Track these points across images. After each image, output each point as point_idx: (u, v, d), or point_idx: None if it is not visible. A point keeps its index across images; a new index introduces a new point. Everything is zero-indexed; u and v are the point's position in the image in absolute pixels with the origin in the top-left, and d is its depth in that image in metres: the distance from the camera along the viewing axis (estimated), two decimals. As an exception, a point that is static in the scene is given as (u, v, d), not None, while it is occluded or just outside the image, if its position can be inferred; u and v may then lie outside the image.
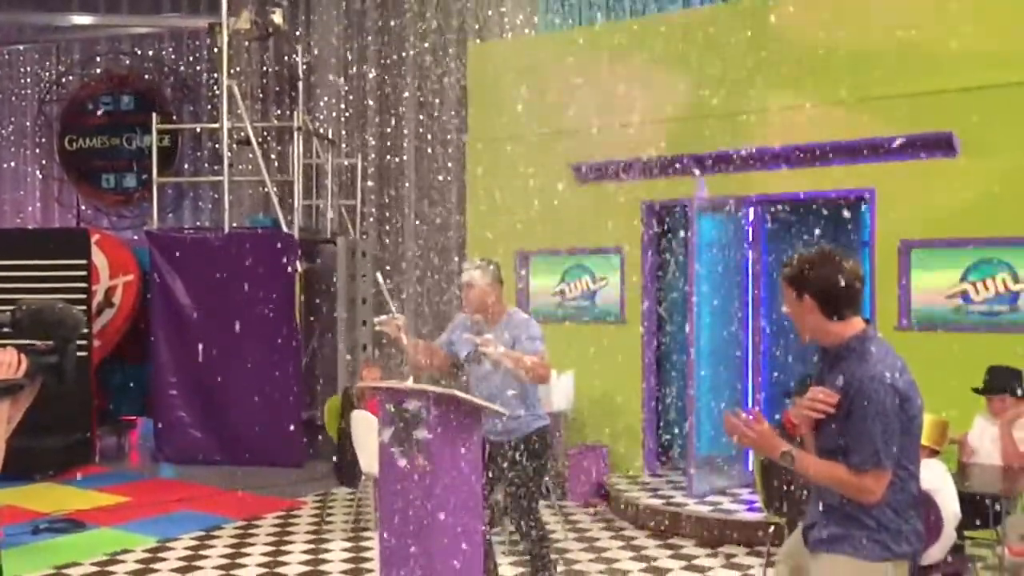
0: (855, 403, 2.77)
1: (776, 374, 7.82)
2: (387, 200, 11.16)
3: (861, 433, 2.75)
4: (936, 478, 4.33)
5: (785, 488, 5.39)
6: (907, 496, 2.85)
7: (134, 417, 10.98)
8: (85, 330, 2.67)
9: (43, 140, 13.96)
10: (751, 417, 2.92)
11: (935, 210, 6.78)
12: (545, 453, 4.79)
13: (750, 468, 7.44)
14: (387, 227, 11.10)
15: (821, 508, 2.95)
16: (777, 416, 6.89)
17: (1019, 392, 5.40)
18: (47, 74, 13.97)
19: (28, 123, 14.07)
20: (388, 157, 11.08)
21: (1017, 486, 4.89)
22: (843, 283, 2.85)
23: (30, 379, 2.46)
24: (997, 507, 4.81)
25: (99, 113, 13.47)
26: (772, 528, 5.48)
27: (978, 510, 4.99)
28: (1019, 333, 6.47)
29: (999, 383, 5.37)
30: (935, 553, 4.30)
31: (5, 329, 2.45)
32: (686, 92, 7.84)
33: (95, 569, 5.99)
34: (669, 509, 6.82)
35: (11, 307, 2.43)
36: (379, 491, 4.51)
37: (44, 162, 14.01)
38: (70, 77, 13.92)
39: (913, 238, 6.89)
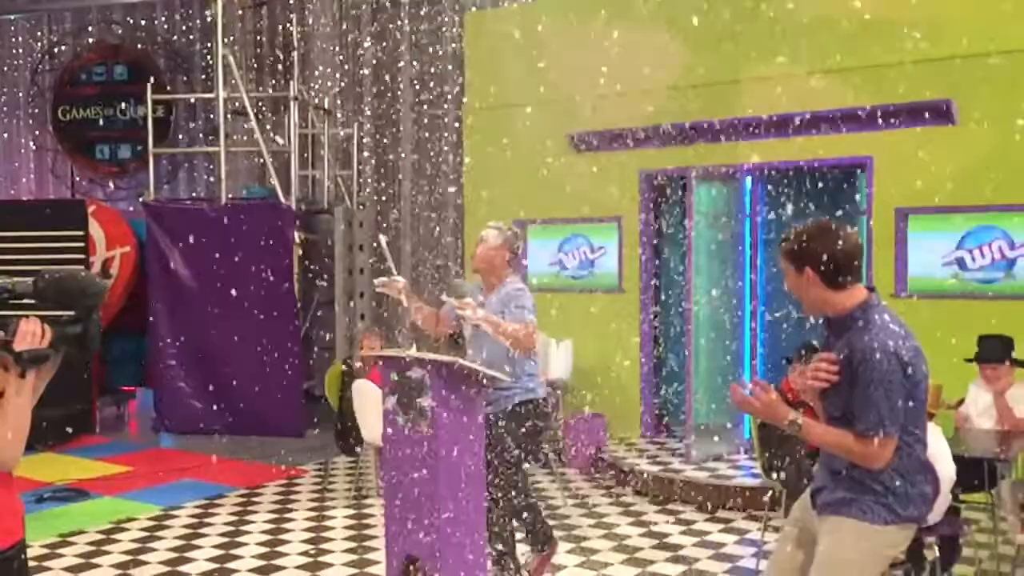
0: (859, 371, 2.80)
1: (774, 341, 7.88)
2: (384, 170, 11.14)
3: (865, 401, 2.79)
4: (931, 442, 4.38)
5: (783, 454, 5.46)
6: (914, 461, 2.89)
7: (132, 388, 11.03)
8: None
9: (36, 111, 13.89)
10: (757, 387, 2.95)
11: (933, 178, 6.80)
12: (533, 426, 4.65)
13: (747, 434, 7.52)
14: (384, 197, 11.09)
15: (829, 473, 2.99)
16: (773, 382, 6.95)
17: (1011, 360, 5.45)
18: (39, 44, 13.87)
19: (21, 94, 13.99)
20: (385, 127, 11.04)
21: (1012, 450, 4.95)
22: (842, 253, 2.87)
23: (55, 350, 2.41)
24: (994, 471, 4.88)
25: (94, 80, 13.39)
26: (770, 493, 5.55)
27: (973, 474, 5.06)
28: (1015, 299, 6.53)
29: (991, 352, 5.42)
30: (931, 515, 4.37)
31: (27, 300, 2.39)
32: (684, 60, 7.82)
33: (101, 537, 6.05)
34: (667, 475, 6.90)
35: (32, 276, 2.39)
36: (383, 459, 4.55)
37: (37, 133, 13.94)
38: (62, 47, 13.83)
39: (910, 205, 6.92)
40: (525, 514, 4.78)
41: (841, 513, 2.91)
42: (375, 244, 10.29)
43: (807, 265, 2.90)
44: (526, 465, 4.76)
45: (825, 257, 2.87)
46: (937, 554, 4.65)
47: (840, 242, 2.88)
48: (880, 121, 6.97)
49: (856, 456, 2.84)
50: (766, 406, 2.93)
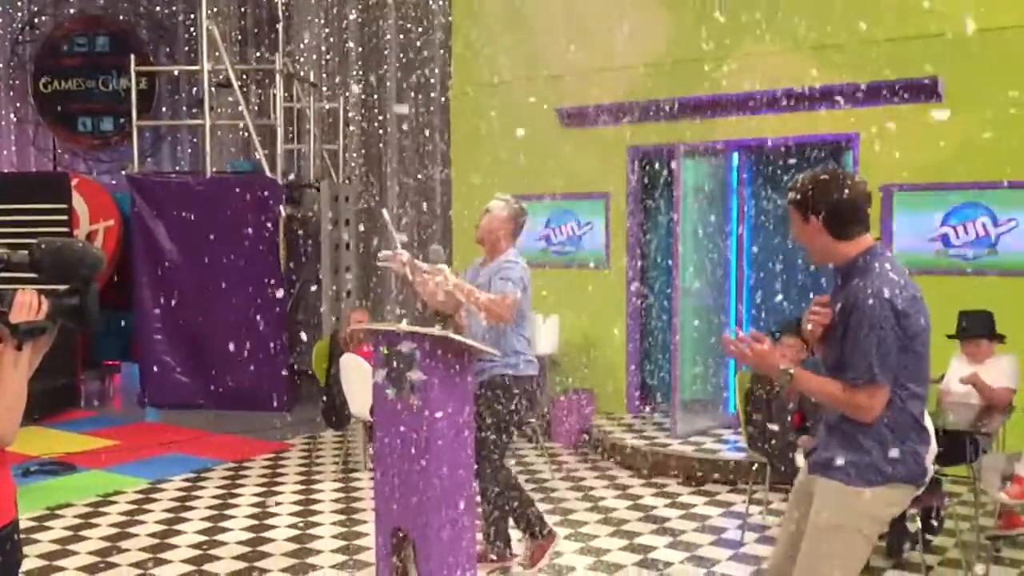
0: (852, 318, 2.76)
1: (760, 317, 7.92)
2: (370, 144, 11.08)
3: (856, 348, 2.74)
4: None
5: (767, 428, 5.52)
6: (907, 417, 2.83)
7: (117, 362, 10.99)
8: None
9: (17, 82, 13.70)
10: (749, 336, 2.91)
11: (918, 155, 6.83)
12: (509, 402, 4.56)
13: (732, 409, 7.60)
14: (370, 172, 11.04)
15: (824, 428, 2.96)
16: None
17: (991, 335, 5.51)
18: (20, 14, 13.66)
19: (1, 65, 13.79)
20: (371, 101, 10.98)
21: (994, 423, 5.02)
22: (848, 202, 2.83)
23: (52, 322, 2.36)
24: (975, 444, 4.95)
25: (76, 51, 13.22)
26: (754, 467, 5.61)
27: (954, 447, 5.14)
28: (997, 276, 6.59)
29: (973, 328, 5.47)
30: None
31: (23, 274, 2.34)
32: (672, 36, 7.81)
33: (89, 510, 6.06)
34: (653, 449, 6.96)
35: (26, 247, 2.33)
36: (374, 432, 4.57)
37: (18, 105, 13.76)
38: (43, 18, 13.62)
39: (896, 182, 6.96)
40: (499, 490, 4.66)
41: (827, 475, 2.88)
42: (359, 218, 10.27)
43: (813, 213, 2.87)
44: (506, 439, 4.66)
45: (831, 205, 2.83)
46: (919, 525, 4.73)
47: (847, 191, 2.83)
48: (866, 98, 6.98)
49: (846, 407, 2.80)
50: (758, 355, 2.89)
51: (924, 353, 2.85)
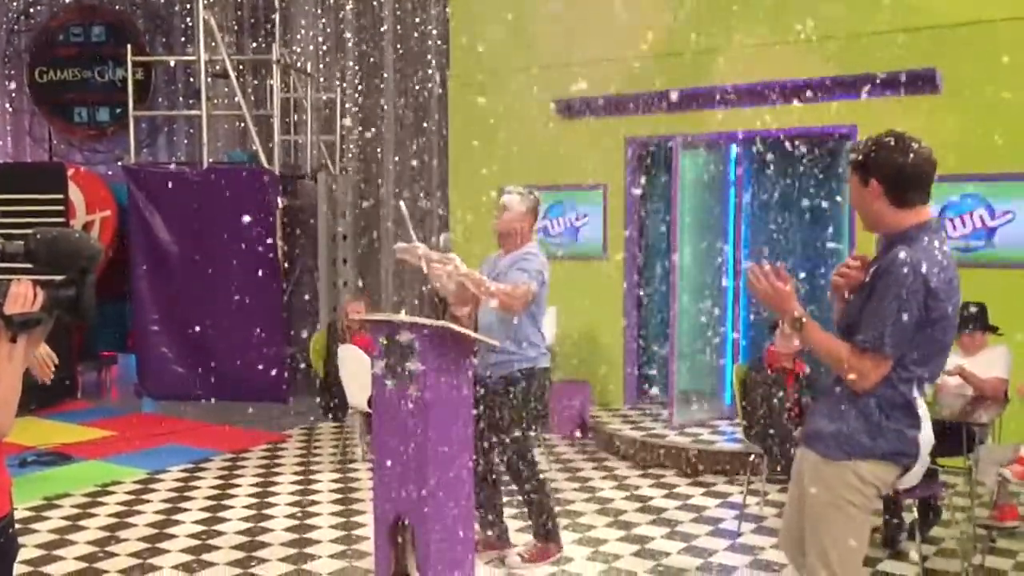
0: (881, 281, 2.68)
1: (758, 309, 7.93)
2: (367, 135, 11.05)
3: (875, 311, 2.68)
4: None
5: (765, 419, 5.54)
6: (898, 397, 2.77)
7: (113, 353, 10.98)
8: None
9: (12, 72, 13.64)
10: (773, 273, 2.82)
11: (916, 147, 6.82)
12: (532, 394, 4.58)
13: (728, 401, 7.62)
14: (367, 163, 11.02)
15: (821, 395, 2.96)
16: (756, 351, 7.00)
17: (985, 327, 5.53)
18: (15, 4, 13.59)
19: (-4, 54, 13.75)
20: (368, 92, 10.95)
21: (988, 414, 5.03)
22: (911, 167, 2.74)
23: (47, 314, 2.31)
24: (972, 435, 4.97)
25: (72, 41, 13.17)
26: (751, 458, 5.63)
27: (950, 438, 5.15)
28: (994, 268, 6.61)
29: (967, 320, 5.49)
30: (910, 478, 4.44)
31: (19, 264, 2.28)
32: (670, 28, 7.80)
33: (86, 500, 6.06)
34: (650, 440, 6.97)
35: (22, 238, 2.28)
36: (372, 422, 4.58)
37: (14, 95, 13.70)
38: (39, 7, 13.56)
39: (893, 175, 6.95)
40: (528, 486, 4.66)
41: (811, 447, 2.87)
42: (356, 209, 10.26)
43: (873, 177, 2.77)
44: (531, 433, 4.67)
45: (893, 171, 2.74)
46: (915, 516, 4.75)
47: (911, 155, 2.73)
48: (864, 90, 6.98)
49: (844, 367, 2.73)
50: (778, 293, 2.80)
51: (941, 340, 2.77)
